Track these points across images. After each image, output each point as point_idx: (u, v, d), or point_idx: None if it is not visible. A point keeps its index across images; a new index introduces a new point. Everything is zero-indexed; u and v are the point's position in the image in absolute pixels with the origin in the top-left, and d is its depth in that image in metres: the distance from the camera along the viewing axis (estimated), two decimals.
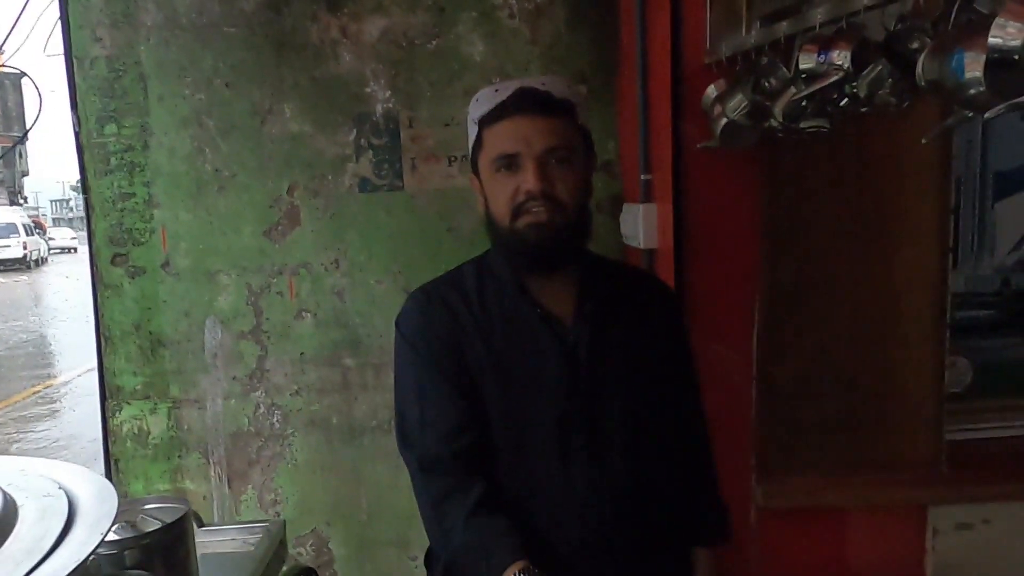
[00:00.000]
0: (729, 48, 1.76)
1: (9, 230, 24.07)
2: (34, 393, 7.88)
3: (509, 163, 1.14)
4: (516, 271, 1.20)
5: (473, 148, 1.21)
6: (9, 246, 23.81)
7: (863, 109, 1.38)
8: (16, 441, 6.39)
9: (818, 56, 1.26)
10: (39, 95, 3.00)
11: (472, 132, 1.20)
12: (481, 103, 1.17)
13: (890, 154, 2.00)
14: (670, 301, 1.36)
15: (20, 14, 2.79)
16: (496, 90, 1.16)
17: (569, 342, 1.20)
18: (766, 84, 1.54)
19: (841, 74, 1.23)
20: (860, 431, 2.07)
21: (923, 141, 1.49)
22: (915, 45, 1.13)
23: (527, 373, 1.20)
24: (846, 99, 1.36)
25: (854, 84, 1.27)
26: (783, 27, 1.52)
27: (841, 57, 1.23)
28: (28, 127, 2.36)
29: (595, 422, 1.21)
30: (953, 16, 1.09)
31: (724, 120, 1.64)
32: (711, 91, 1.75)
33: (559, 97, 1.15)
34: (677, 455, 1.30)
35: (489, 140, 1.16)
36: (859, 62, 1.24)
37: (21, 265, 23.85)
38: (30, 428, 6.71)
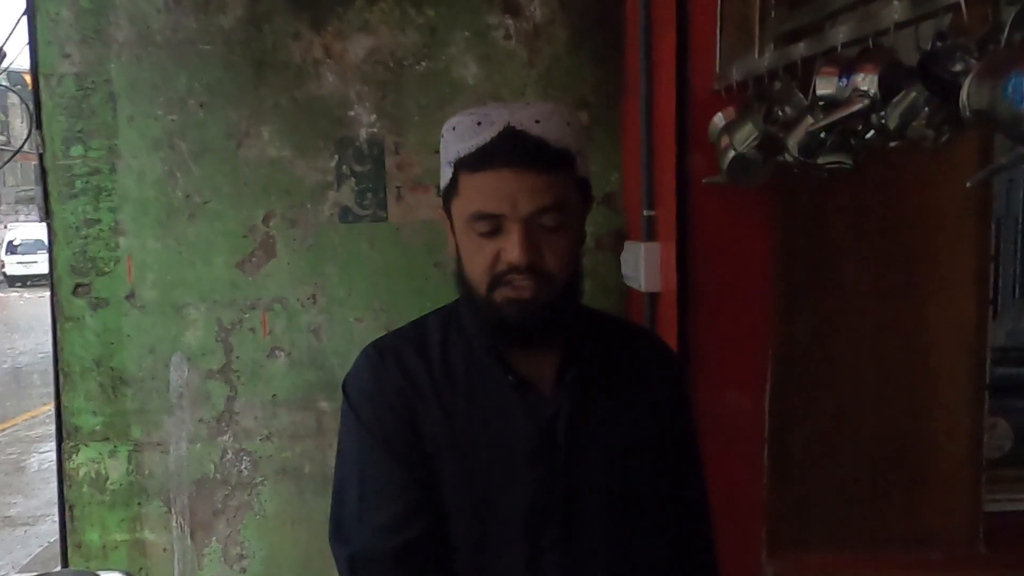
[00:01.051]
0: (740, 72, 1.57)
1: (37, 246, 24.38)
2: (43, 412, 7.80)
3: (491, 225, 0.92)
4: (489, 340, 1.00)
5: (447, 190, 0.99)
6: (36, 262, 24.09)
7: (892, 143, 1.19)
8: (21, 464, 6.28)
9: (839, 80, 1.07)
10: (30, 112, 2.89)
11: (446, 171, 0.98)
12: (459, 137, 0.94)
13: (921, 194, 1.79)
14: (671, 366, 1.14)
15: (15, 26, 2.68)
16: (478, 123, 0.93)
17: (546, 415, 1.00)
18: (780, 113, 1.35)
19: (867, 102, 1.03)
20: (885, 503, 1.84)
21: (968, 185, 1.28)
22: (957, 68, 0.93)
23: (493, 452, 0.99)
24: (872, 131, 1.17)
25: (882, 114, 1.07)
26: (800, 48, 1.33)
27: (867, 82, 1.04)
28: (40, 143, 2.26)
29: (573, 514, 1.00)
30: (1006, 33, 0.89)
31: (732, 153, 1.44)
32: (718, 120, 1.55)
33: (556, 146, 0.92)
34: (671, 553, 1.08)
35: (467, 190, 0.94)
36: (888, 88, 1.04)
37: (47, 281, 24.07)
38: (34, 449, 6.61)
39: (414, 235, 2.20)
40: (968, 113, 0.87)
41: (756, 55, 1.56)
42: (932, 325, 1.80)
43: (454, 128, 0.96)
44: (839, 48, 1.20)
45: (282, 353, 2.22)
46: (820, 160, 1.24)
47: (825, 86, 1.09)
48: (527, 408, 1.00)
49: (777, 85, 1.36)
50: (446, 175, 0.97)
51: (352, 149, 2.18)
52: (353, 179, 2.19)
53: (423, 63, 2.16)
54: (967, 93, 0.87)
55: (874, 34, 1.10)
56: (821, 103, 1.12)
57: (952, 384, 1.83)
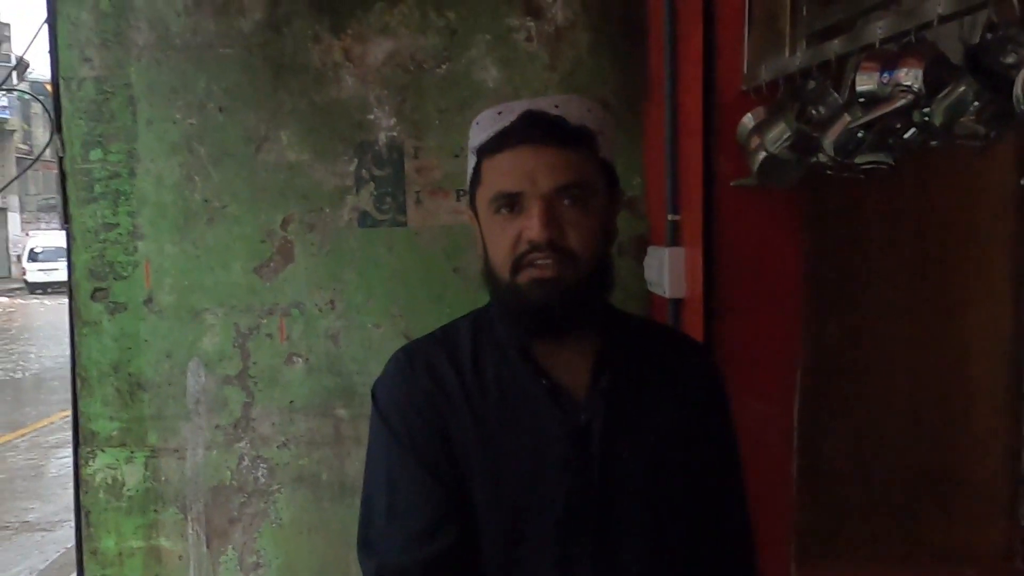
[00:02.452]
0: (770, 71, 1.53)
1: (57, 254, 24.64)
2: (61, 417, 7.83)
3: (510, 203, 0.92)
4: (518, 333, 0.98)
5: (471, 182, 0.99)
6: (57, 269, 24.34)
7: (933, 142, 1.14)
8: (39, 469, 6.30)
9: (881, 75, 1.02)
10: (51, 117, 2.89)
11: (471, 163, 0.99)
12: (481, 128, 0.97)
13: (955, 196, 1.73)
14: (710, 371, 1.09)
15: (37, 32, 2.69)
16: (499, 112, 0.95)
17: (580, 421, 0.96)
18: (814, 112, 1.31)
19: (910, 97, 0.99)
20: (918, 516, 1.78)
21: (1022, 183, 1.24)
22: (1009, 60, 0.88)
23: (525, 460, 0.96)
24: (913, 129, 1.12)
25: (925, 110, 1.03)
26: (834, 46, 1.29)
27: (910, 76, 0.99)
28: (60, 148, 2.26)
29: (606, 524, 0.96)
30: None
31: (763, 154, 1.40)
32: (748, 120, 1.51)
33: (574, 123, 0.92)
34: (710, 566, 1.03)
35: (488, 174, 0.95)
36: (933, 83, 0.99)
37: (67, 288, 24.27)
38: (52, 455, 6.63)
39: (433, 240, 2.17)
40: (1022, 106, 0.83)
41: (787, 54, 1.52)
42: (967, 332, 1.75)
43: (478, 123, 0.98)
44: (877, 44, 1.16)
45: (299, 359, 2.19)
46: (858, 160, 1.19)
47: (866, 82, 1.05)
48: (560, 414, 0.97)
49: (811, 84, 1.32)
50: (470, 167, 0.98)
51: (371, 153, 2.15)
52: (372, 183, 2.16)
53: (443, 66, 2.14)
54: (1022, 86, 0.83)
55: (917, 28, 1.06)
56: (861, 100, 1.07)
57: (988, 394, 1.77)
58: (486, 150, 0.94)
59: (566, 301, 0.92)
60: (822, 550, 1.75)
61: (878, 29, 1.16)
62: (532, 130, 0.91)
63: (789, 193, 1.62)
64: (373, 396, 1.02)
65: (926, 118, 1.04)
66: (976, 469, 1.77)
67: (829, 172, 1.38)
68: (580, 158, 0.92)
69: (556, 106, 0.93)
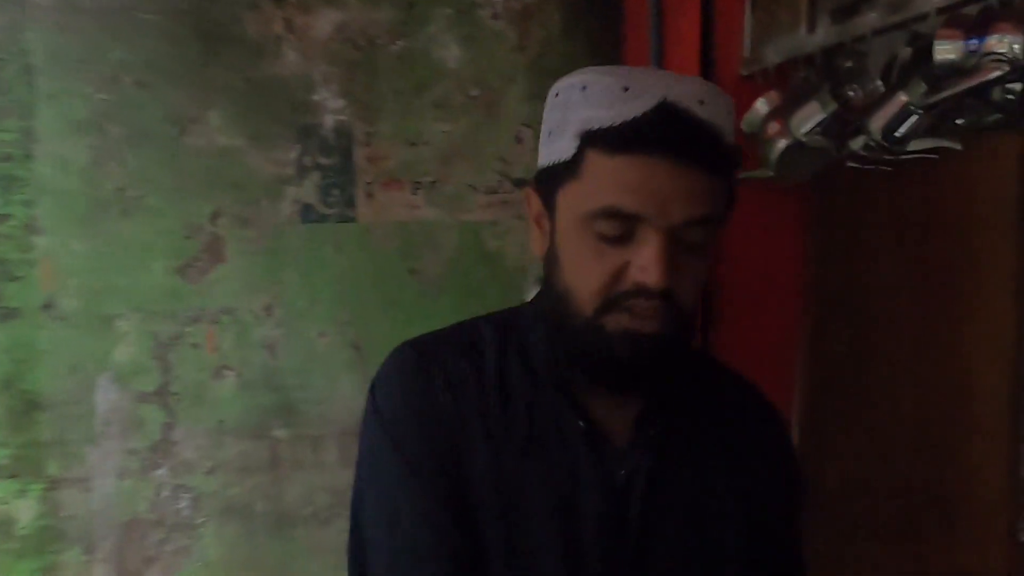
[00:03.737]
0: (781, 52, 1.38)
1: None
2: None
3: (621, 228, 0.71)
4: (574, 377, 0.79)
5: (556, 165, 0.74)
6: None
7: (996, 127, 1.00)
8: None
9: (967, 43, 0.87)
10: None
11: (564, 143, 0.73)
12: (593, 101, 0.71)
13: (961, 203, 1.63)
14: (778, 432, 0.92)
15: None
16: (625, 88, 0.69)
17: (619, 476, 0.78)
18: (850, 93, 1.15)
19: (1005, 68, 0.84)
20: (921, 537, 1.67)
21: None
22: None
23: (548, 510, 0.77)
24: (978, 110, 0.98)
25: (1009, 86, 0.88)
26: (871, 19, 1.15)
27: (1005, 43, 0.84)
28: None
29: None
30: None
31: (784, 142, 1.24)
32: (761, 106, 1.36)
33: (726, 138, 0.71)
34: None
35: (597, 175, 0.71)
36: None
37: None
38: None
39: (386, 238, 1.94)
40: None
41: (803, 31, 1.37)
42: (971, 342, 1.65)
43: (584, 88, 0.71)
44: (933, 15, 1.02)
45: (231, 373, 1.92)
46: (913, 146, 1.05)
47: (947, 51, 0.89)
48: (596, 464, 0.78)
49: (846, 63, 1.17)
50: (563, 148, 0.72)
51: (316, 139, 1.91)
52: (317, 173, 1.91)
53: (399, 42, 1.91)
54: None
55: None
56: (937, 72, 0.92)
57: (990, 410, 1.67)
58: (602, 140, 0.70)
59: (656, 360, 0.73)
60: (823, 569, 1.62)
61: None
62: (674, 135, 0.68)
63: (791, 191, 1.49)
64: (373, 396, 0.81)
65: (1009, 95, 0.90)
66: (978, 487, 1.68)
67: (854, 164, 1.24)
68: (720, 188, 0.71)
69: (702, 102, 0.69)
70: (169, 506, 1.92)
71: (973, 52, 0.87)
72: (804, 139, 1.20)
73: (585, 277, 0.72)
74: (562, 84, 0.75)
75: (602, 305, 0.72)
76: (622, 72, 0.72)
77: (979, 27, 0.87)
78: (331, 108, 1.91)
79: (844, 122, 1.15)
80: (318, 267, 1.92)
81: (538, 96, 1.94)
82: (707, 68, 1.56)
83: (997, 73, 0.84)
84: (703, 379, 0.88)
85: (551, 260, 0.77)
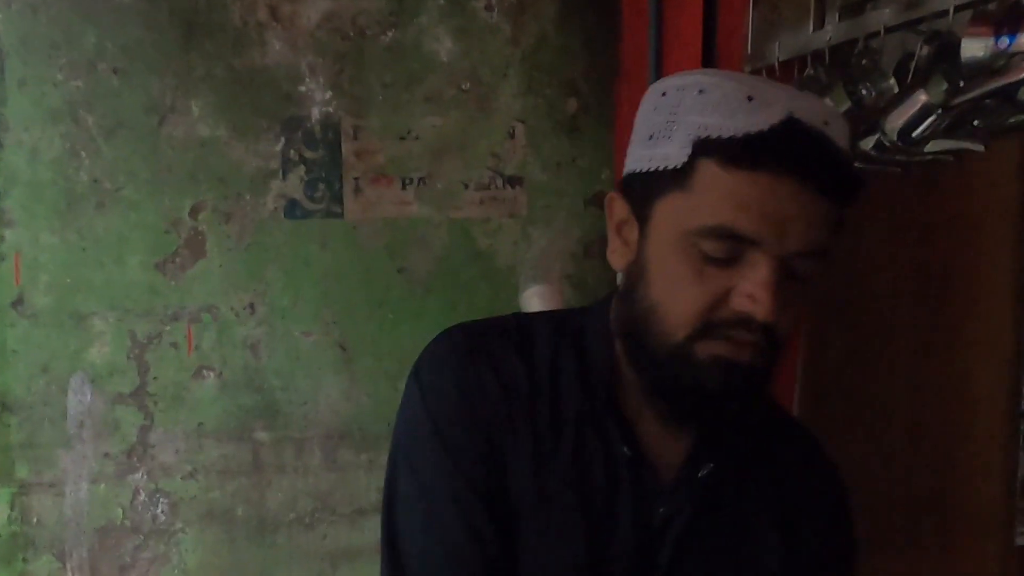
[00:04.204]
0: (787, 49, 1.34)
1: None
2: None
3: (732, 249, 0.64)
4: (646, 402, 0.74)
5: (659, 172, 0.66)
6: None
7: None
8: None
9: (996, 41, 0.83)
10: None
11: (674, 147, 0.65)
12: (712, 107, 0.63)
13: (960, 202, 1.61)
14: (835, 489, 0.85)
15: None
16: (749, 97, 0.62)
17: (656, 515, 0.73)
18: (864, 91, 1.12)
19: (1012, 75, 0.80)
20: (918, 543, 1.65)
21: None
22: None
23: (579, 534, 0.72)
24: (999, 111, 0.95)
25: None
26: (885, 16, 1.11)
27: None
28: None
29: None
30: None
31: None
32: None
33: (851, 162, 0.67)
34: None
35: (712, 189, 0.64)
36: None
37: None
38: None
39: (374, 235, 1.88)
40: None
41: (811, 28, 1.33)
42: (969, 348, 1.63)
43: (702, 91, 0.64)
44: (952, 13, 0.98)
45: (211, 373, 1.84)
46: (930, 147, 1.01)
47: (975, 49, 0.85)
48: (636, 496, 0.72)
49: (862, 61, 1.13)
50: (672, 153, 0.65)
51: (302, 131, 1.84)
52: (302, 167, 1.85)
53: (389, 33, 1.85)
54: None
55: None
56: (965, 71, 0.88)
57: (987, 417, 1.66)
58: (721, 151, 0.63)
59: (746, 391, 0.67)
60: None
61: None
62: (802, 156, 0.62)
63: None
64: (416, 375, 0.75)
65: None
66: (975, 493, 1.66)
67: (865, 165, 1.21)
68: (839, 216, 0.65)
69: (826, 122, 0.62)
70: (146, 512, 1.85)
71: (1003, 50, 0.83)
72: None
73: (680, 299, 0.66)
74: (670, 84, 0.67)
75: (696, 331, 0.66)
76: (744, 79, 0.66)
77: (1010, 24, 0.84)
78: (318, 100, 1.84)
79: (857, 121, 1.11)
80: (303, 264, 1.86)
81: (532, 91, 1.91)
82: (708, 64, 1.52)
83: None
84: (764, 423, 0.81)
85: (636, 274, 0.70)
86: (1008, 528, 1.68)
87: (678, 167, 0.64)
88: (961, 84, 0.91)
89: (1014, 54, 0.82)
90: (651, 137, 0.66)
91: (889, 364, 1.60)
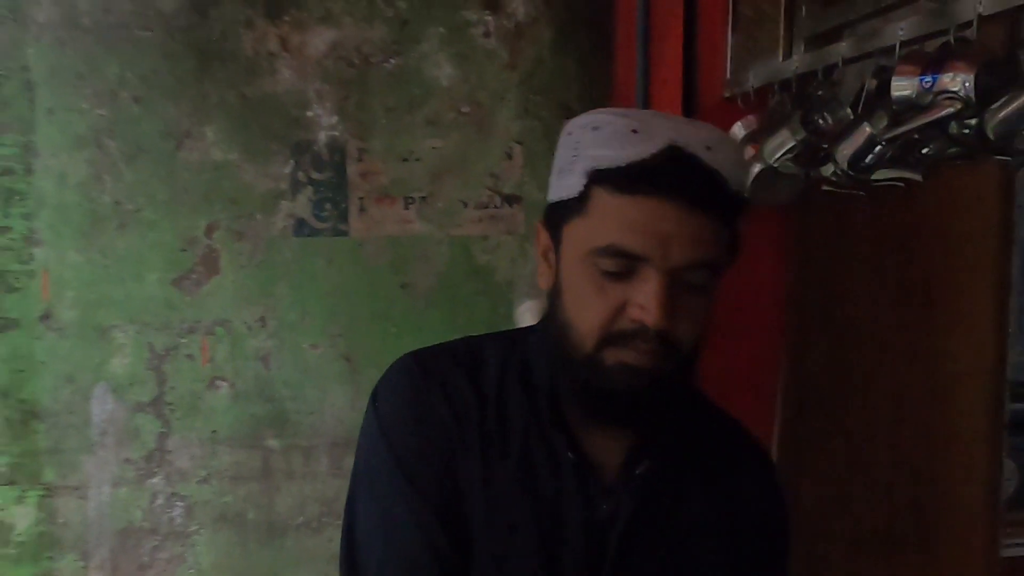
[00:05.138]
0: (760, 77, 1.40)
1: None
2: None
3: (624, 267, 0.72)
4: (572, 408, 0.81)
5: (565, 201, 0.75)
6: None
7: (959, 159, 1.03)
8: None
9: (921, 80, 0.89)
10: None
11: (572, 180, 0.74)
12: (603, 141, 0.72)
13: (941, 216, 1.65)
14: (769, 479, 0.91)
15: None
16: (634, 130, 0.70)
17: (601, 512, 0.80)
18: (820, 121, 1.18)
19: (958, 106, 0.86)
20: (900, 549, 1.68)
21: None
22: None
23: (531, 536, 0.79)
24: (933, 144, 1.00)
25: (967, 122, 0.91)
26: (842, 48, 1.17)
27: (958, 82, 0.86)
28: None
29: None
30: None
31: (759, 166, 1.27)
32: (738, 130, 1.38)
33: (733, 186, 0.73)
34: None
35: (604, 214, 0.72)
36: (982, 90, 0.87)
37: None
38: None
39: (378, 252, 1.97)
40: None
41: (780, 57, 1.40)
42: (951, 358, 1.66)
43: (596, 128, 0.73)
44: (898, 47, 1.04)
45: (224, 383, 1.95)
46: (877, 176, 1.07)
47: (903, 87, 0.91)
48: (581, 497, 0.79)
49: (818, 91, 1.19)
50: (570, 185, 0.74)
51: (309, 154, 1.94)
52: (310, 188, 1.94)
53: (392, 60, 1.94)
54: None
55: (957, 27, 0.94)
56: (893, 108, 0.94)
57: (970, 421, 1.69)
58: (609, 180, 0.71)
59: (653, 394, 0.74)
60: None
61: (899, 30, 1.04)
62: (681, 180, 0.69)
63: (773, 210, 1.51)
64: (375, 405, 0.82)
65: (965, 130, 0.92)
66: (957, 501, 1.69)
67: (828, 188, 1.27)
68: (724, 233, 0.72)
69: (708, 148, 0.70)
70: (163, 514, 1.96)
71: (928, 89, 0.89)
72: (776, 165, 1.22)
73: (586, 312, 0.73)
74: (575, 123, 0.76)
75: (601, 340, 0.73)
76: (634, 114, 0.73)
77: (934, 64, 0.90)
78: (325, 124, 1.94)
79: (814, 149, 1.17)
80: (310, 280, 1.95)
81: (529, 113, 1.99)
82: (690, 89, 1.58)
83: (949, 111, 0.86)
84: (696, 419, 0.88)
85: (555, 294, 0.78)
86: (991, 534, 1.71)
87: (577, 196, 0.72)
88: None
89: (938, 92, 0.88)
90: (560, 172, 0.75)
91: (870, 376, 1.64)
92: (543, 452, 0.79)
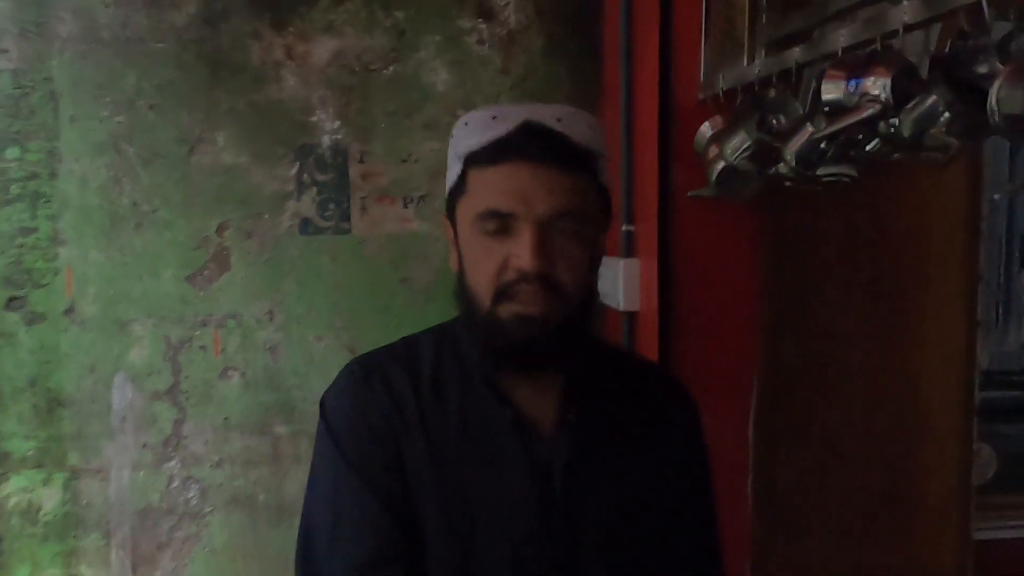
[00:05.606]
0: (728, 80, 1.49)
1: None
2: None
3: (499, 224, 0.83)
4: (488, 364, 0.91)
5: (453, 189, 0.89)
6: None
7: (896, 155, 1.11)
8: None
9: (847, 84, 0.98)
10: None
11: (454, 168, 0.89)
12: (471, 131, 0.86)
13: (910, 213, 1.72)
14: (689, 411, 1.02)
15: None
16: (494, 117, 0.85)
17: (541, 458, 0.90)
18: (774, 121, 1.26)
19: (878, 107, 0.94)
20: (874, 535, 1.76)
21: (996, 197, 1.22)
22: (982, 70, 0.85)
23: (481, 493, 0.89)
24: (876, 141, 1.09)
25: (892, 121, 0.99)
26: (795, 54, 1.25)
27: (878, 86, 0.95)
28: None
29: (569, 566, 0.90)
30: None
31: (721, 164, 1.35)
32: (705, 129, 1.47)
33: (580, 144, 0.84)
34: None
35: (477, 187, 0.86)
36: (901, 93, 0.95)
37: None
38: None
39: (379, 249, 2.08)
40: (998, 119, 0.79)
41: (745, 62, 1.48)
42: (922, 349, 1.73)
43: (466, 123, 0.87)
44: (839, 53, 1.12)
45: (235, 373, 2.07)
46: (820, 172, 1.15)
47: (831, 91, 1.00)
48: (522, 448, 0.89)
49: (771, 93, 1.27)
50: (453, 173, 0.88)
51: (314, 157, 2.05)
52: (315, 189, 2.06)
53: (391, 67, 2.05)
54: (996, 97, 0.79)
55: (882, 36, 1.02)
56: (826, 109, 1.03)
57: (942, 410, 1.76)
58: (477, 159, 0.85)
59: (550, 340, 0.84)
60: (779, 569, 1.71)
61: (840, 37, 1.12)
62: (532, 145, 0.82)
63: (746, 207, 1.59)
64: (322, 408, 0.94)
65: (892, 129, 1.01)
66: (931, 485, 1.76)
67: (788, 184, 1.35)
68: (581, 182, 0.85)
69: (559, 119, 0.83)
70: (179, 496, 2.08)
71: (853, 92, 0.97)
72: (735, 163, 1.31)
73: (479, 274, 0.85)
74: (457, 124, 0.89)
75: (495, 296, 0.84)
76: (497, 108, 0.87)
77: (860, 69, 0.98)
78: (328, 129, 2.05)
79: (768, 149, 1.25)
80: (315, 276, 2.07)
81: None
82: (667, 92, 1.67)
83: (871, 112, 0.94)
84: (615, 365, 0.99)
85: (461, 270, 0.89)
86: (965, 523, 1.77)
87: (457, 179, 0.87)
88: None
89: (862, 95, 0.97)
90: (449, 167, 0.89)
91: (843, 366, 1.71)
92: (481, 416, 0.90)
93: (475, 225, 0.84)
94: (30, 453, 2.04)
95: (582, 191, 0.84)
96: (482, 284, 0.85)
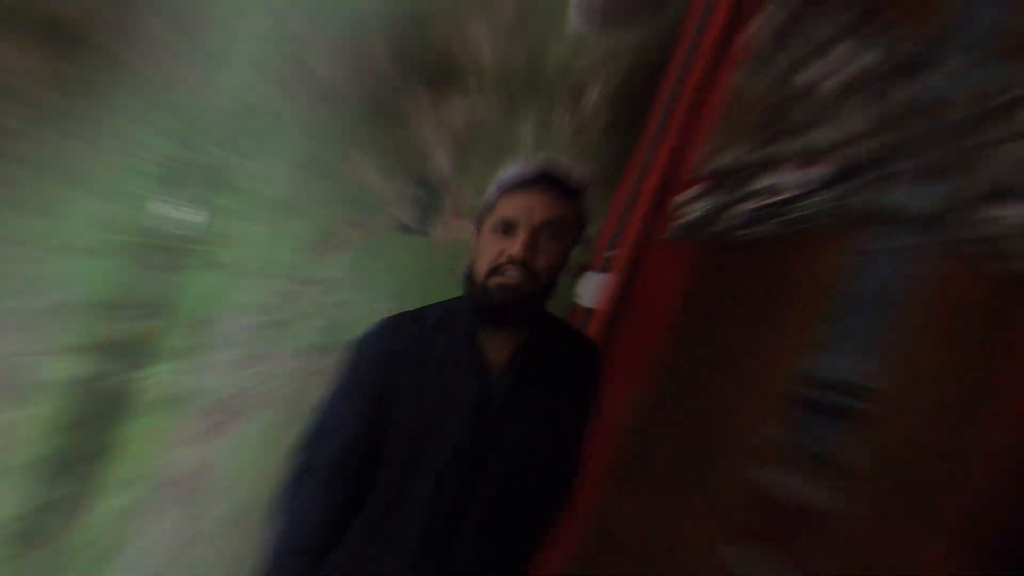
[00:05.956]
0: (709, 167, 1.91)
1: None
2: None
3: (507, 227, 1.18)
4: (472, 319, 1.24)
5: (485, 208, 1.25)
6: None
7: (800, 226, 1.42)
8: None
9: (799, 173, 1.34)
10: None
11: (491, 195, 1.24)
12: (509, 171, 1.24)
13: (791, 274, 1.76)
14: (593, 357, 1.36)
15: None
16: (523, 164, 1.22)
17: (489, 386, 1.21)
18: (731, 194, 1.66)
19: (790, 193, 1.32)
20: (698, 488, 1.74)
21: None
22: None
23: (441, 405, 1.19)
24: (787, 216, 1.42)
25: (805, 202, 1.34)
26: (746, 151, 1.69)
27: (810, 176, 1.30)
28: None
29: (491, 463, 1.20)
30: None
31: (683, 219, 1.79)
32: (687, 193, 1.91)
33: (572, 184, 1.19)
34: (539, 506, 1.30)
35: (500, 206, 1.21)
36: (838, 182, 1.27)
37: None
38: None
39: (443, 250, 2.66)
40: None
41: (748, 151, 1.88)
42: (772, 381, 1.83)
43: (505, 169, 1.26)
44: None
45: (318, 318, 2.65)
46: (739, 233, 1.53)
47: (783, 176, 1.37)
48: (476, 380, 1.22)
49: (741, 173, 1.65)
50: (489, 196, 1.24)
51: (425, 183, 2.70)
52: (417, 204, 2.70)
53: (495, 128, 2.70)
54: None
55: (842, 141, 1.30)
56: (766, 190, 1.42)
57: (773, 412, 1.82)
58: (506, 188, 1.20)
59: (517, 304, 1.16)
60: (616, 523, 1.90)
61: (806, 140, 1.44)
62: (542, 180, 1.17)
63: (686, 247, 1.96)
64: (357, 340, 1.26)
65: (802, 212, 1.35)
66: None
67: (726, 235, 1.70)
68: (568, 205, 1.18)
69: (563, 168, 1.18)
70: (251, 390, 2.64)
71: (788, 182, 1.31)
72: (691, 219, 1.73)
73: (484, 257, 1.19)
74: (501, 171, 1.26)
75: (488, 272, 1.17)
76: (529, 158, 1.22)
77: (810, 162, 1.26)
78: (440, 167, 2.71)
79: (720, 211, 1.62)
80: (396, 262, 2.68)
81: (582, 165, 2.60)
82: (672, 165, 2.15)
83: (777, 198, 1.31)
84: (559, 333, 1.32)
85: (472, 261, 1.24)
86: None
87: (492, 201, 1.24)
88: None
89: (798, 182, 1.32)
90: (488, 193, 1.27)
91: (716, 384, 1.82)
92: (456, 358, 1.22)
93: (492, 228, 1.18)
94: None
95: (567, 211, 1.18)
96: (483, 266, 1.18)
